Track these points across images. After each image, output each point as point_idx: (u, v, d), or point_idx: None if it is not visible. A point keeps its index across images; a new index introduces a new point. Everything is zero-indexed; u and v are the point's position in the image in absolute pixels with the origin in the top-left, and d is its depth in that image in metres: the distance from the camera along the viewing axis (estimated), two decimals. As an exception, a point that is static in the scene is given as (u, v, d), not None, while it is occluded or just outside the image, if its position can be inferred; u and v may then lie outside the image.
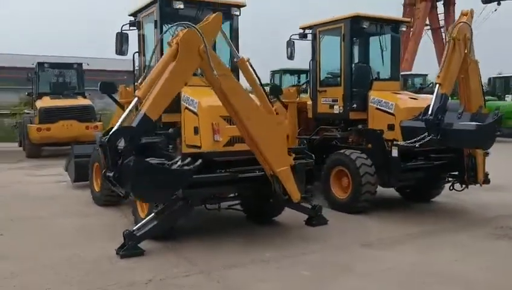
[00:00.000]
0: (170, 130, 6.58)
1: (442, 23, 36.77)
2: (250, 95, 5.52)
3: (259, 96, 5.56)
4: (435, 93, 6.45)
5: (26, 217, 7.40)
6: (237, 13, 6.93)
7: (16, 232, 6.62)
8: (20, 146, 17.24)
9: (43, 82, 16.06)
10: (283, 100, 9.41)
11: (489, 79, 26.19)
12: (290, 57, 8.67)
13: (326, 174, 7.81)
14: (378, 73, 8.56)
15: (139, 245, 5.52)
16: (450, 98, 6.60)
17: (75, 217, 7.40)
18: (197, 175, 5.47)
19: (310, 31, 8.73)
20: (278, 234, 6.42)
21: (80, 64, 16.48)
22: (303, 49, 9.27)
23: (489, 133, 6.28)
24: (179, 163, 4.97)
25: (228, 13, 6.91)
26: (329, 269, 5.11)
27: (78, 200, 8.68)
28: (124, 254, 5.38)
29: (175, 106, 6.45)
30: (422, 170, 7.33)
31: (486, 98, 23.07)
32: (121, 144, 4.57)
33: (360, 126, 7.93)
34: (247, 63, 5.55)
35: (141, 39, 7.32)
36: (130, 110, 4.89)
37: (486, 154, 7.29)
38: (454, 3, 36.11)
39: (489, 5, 31.87)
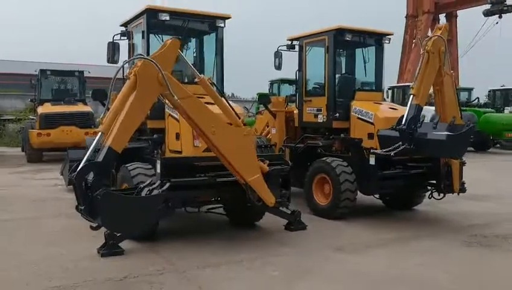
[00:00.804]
0: (155, 136, 6.88)
1: (445, 35, 37.03)
2: (213, 110, 5.73)
3: (223, 110, 5.79)
4: (408, 104, 6.69)
5: (18, 218, 7.69)
6: (222, 25, 7.23)
7: (6, 231, 6.91)
8: (22, 151, 17.62)
9: (45, 89, 16.46)
10: (272, 109, 9.72)
11: (489, 91, 26.35)
12: (278, 67, 8.97)
13: (308, 181, 8.05)
14: (361, 84, 8.82)
15: (119, 245, 5.79)
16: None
17: (65, 218, 7.65)
18: (177, 179, 5.79)
19: (297, 43, 9.02)
20: (256, 237, 6.66)
21: (82, 72, 16.87)
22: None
23: (460, 142, 6.50)
24: (146, 189, 5.16)
25: (213, 25, 7.23)
26: (298, 270, 5.32)
27: (71, 202, 8.87)
28: (104, 252, 5.64)
29: (160, 113, 6.77)
30: (401, 179, 7.54)
31: (486, 110, 23.12)
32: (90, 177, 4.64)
33: (342, 135, 8.18)
34: (208, 82, 5.79)
35: (131, 48, 7.64)
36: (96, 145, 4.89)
37: (463, 163, 7.50)
38: (456, 16, 36.41)
39: (490, 17, 32.20)
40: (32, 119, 17.88)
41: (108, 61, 7.54)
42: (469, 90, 25.09)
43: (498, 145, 24.27)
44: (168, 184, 5.46)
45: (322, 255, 5.89)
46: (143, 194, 5.20)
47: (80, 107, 15.79)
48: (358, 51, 8.91)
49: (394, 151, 6.68)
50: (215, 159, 6.13)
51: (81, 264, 5.40)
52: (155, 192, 5.23)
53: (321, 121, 8.52)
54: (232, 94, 43.25)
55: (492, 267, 5.57)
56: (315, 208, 7.96)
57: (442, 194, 7.77)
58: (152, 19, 6.82)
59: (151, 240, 6.24)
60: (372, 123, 7.70)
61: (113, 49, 7.40)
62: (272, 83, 20.49)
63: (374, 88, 8.78)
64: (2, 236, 6.64)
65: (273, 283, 4.97)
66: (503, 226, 7.41)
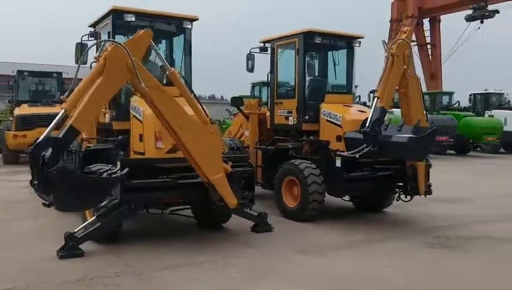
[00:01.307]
0: (119, 137, 6.84)
1: (428, 39, 37.41)
2: (183, 105, 5.72)
3: (192, 106, 5.80)
4: (373, 107, 6.74)
5: None
6: (189, 26, 7.22)
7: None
8: (0, 153, 17.42)
9: (22, 90, 16.31)
10: (245, 111, 9.73)
11: (470, 95, 26.63)
12: (250, 69, 8.98)
13: (278, 184, 8.06)
14: (332, 86, 8.87)
15: (79, 247, 5.74)
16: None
17: (33, 220, 7.58)
18: (138, 180, 5.77)
19: (269, 45, 9.04)
20: (221, 239, 6.64)
21: (60, 73, 16.74)
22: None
23: (423, 145, 6.56)
24: (108, 171, 5.18)
25: (180, 26, 7.22)
26: (259, 272, 5.31)
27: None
28: (63, 254, 5.58)
29: (125, 114, 6.75)
30: (368, 181, 7.57)
31: (466, 113, 23.43)
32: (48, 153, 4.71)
33: (311, 137, 8.21)
34: (178, 75, 5.80)
35: (99, 49, 7.58)
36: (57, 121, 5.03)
37: (429, 166, 7.57)
38: (439, 21, 36.75)
39: (472, 22, 32.58)
40: (11, 120, 17.71)
41: (76, 62, 7.46)
42: (450, 94, 25.34)
43: (478, 148, 24.57)
44: (127, 169, 5.44)
45: (285, 257, 5.89)
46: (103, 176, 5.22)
47: (57, 109, 15.58)
48: (330, 54, 8.95)
49: (359, 154, 6.72)
50: (177, 160, 6.13)
51: (39, 265, 5.34)
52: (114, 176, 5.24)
53: (292, 123, 8.54)
54: (221, 97, 43.23)
55: (453, 268, 5.61)
56: (284, 210, 7.97)
57: (409, 197, 7.82)
58: (118, 19, 6.79)
59: (114, 242, 6.19)
60: (340, 125, 7.74)
61: (81, 49, 7.34)
62: (253, 85, 20.52)
63: (344, 91, 8.82)
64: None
65: (232, 284, 4.96)
66: (468, 228, 7.48)
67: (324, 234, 7.01)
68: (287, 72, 8.76)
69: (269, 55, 9.04)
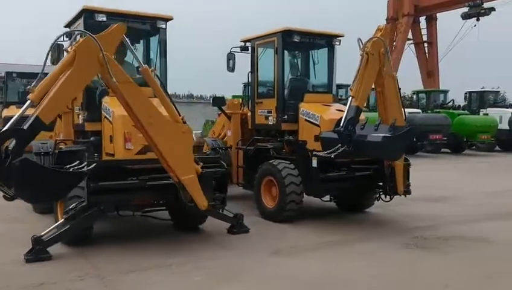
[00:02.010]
0: (92, 138, 6.77)
1: (425, 37, 37.32)
2: (155, 103, 5.65)
3: (164, 105, 5.72)
4: (347, 106, 6.65)
5: None
6: (163, 26, 7.13)
7: None
8: None
9: (11, 91, 16.21)
10: (227, 111, 9.65)
11: (466, 93, 26.53)
12: (231, 69, 8.88)
13: (257, 184, 7.97)
14: (312, 86, 8.78)
15: (47, 250, 5.66)
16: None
17: (7, 223, 7.49)
18: (106, 182, 5.69)
19: (250, 44, 8.95)
20: (195, 240, 6.54)
21: (47, 74, 16.61)
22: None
23: (398, 144, 6.46)
24: (74, 166, 5.11)
25: (154, 26, 7.13)
26: (225, 274, 5.23)
27: (24, 207, 8.71)
28: (29, 258, 5.51)
29: (98, 115, 6.66)
30: (346, 181, 7.47)
31: (460, 112, 23.39)
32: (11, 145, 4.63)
33: (290, 137, 8.12)
34: (151, 72, 5.73)
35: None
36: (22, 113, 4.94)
37: (408, 165, 7.47)
38: (436, 19, 36.70)
39: (468, 20, 32.48)
40: None
41: (52, 63, 7.36)
42: (445, 92, 25.25)
43: (474, 147, 24.45)
44: (94, 164, 5.39)
45: (258, 258, 5.80)
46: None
47: None
48: (310, 53, 8.86)
49: (334, 154, 6.62)
50: (146, 162, 6.05)
51: (4, 269, 5.28)
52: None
53: (271, 123, 8.45)
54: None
55: (427, 269, 5.50)
56: (263, 211, 7.88)
57: (389, 197, 7.74)
58: (89, 19, 6.69)
59: (85, 245, 6.11)
60: (318, 125, 7.65)
61: (58, 51, 7.23)
62: (245, 85, 20.39)
63: (325, 90, 8.72)
64: None
65: (195, 287, 4.88)
66: (447, 228, 7.38)
67: (301, 235, 6.92)
68: (268, 72, 8.66)
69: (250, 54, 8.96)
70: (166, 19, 7.16)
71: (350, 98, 6.66)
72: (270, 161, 7.75)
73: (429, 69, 36.92)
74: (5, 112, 15.18)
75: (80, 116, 7.04)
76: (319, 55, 8.84)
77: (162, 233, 6.89)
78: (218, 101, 9.55)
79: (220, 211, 6.76)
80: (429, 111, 23.17)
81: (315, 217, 8.02)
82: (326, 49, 8.71)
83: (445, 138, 20.65)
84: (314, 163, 7.04)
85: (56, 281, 4.93)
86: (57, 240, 5.75)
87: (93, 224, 6.17)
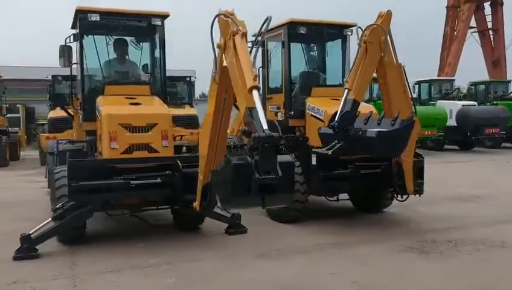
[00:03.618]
0: (87, 137, 6.82)
1: (490, 24, 34.95)
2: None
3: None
4: (343, 99, 6.22)
5: None
6: (159, 23, 7.02)
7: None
8: None
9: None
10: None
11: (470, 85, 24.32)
12: None
13: (264, 183, 7.70)
14: (324, 79, 8.36)
15: (36, 247, 5.75)
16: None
17: (21, 222, 7.51)
18: (87, 182, 5.69)
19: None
20: (186, 241, 6.36)
21: (190, 77, 17.62)
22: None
23: (396, 140, 5.93)
24: None
25: (150, 24, 7.05)
26: (199, 277, 5.03)
27: (46, 206, 8.99)
28: (17, 256, 5.62)
29: (93, 114, 6.70)
30: (351, 180, 7.02)
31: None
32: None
33: (297, 133, 7.78)
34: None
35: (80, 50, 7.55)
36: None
37: (419, 162, 6.89)
38: (502, 4, 34.17)
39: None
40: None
41: (64, 66, 7.44)
42: (506, 82, 23.42)
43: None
44: None
45: (240, 261, 5.55)
46: None
47: (187, 111, 16.37)
48: (321, 45, 8.44)
49: (331, 150, 6.23)
50: (130, 161, 5.99)
51: (-15, 267, 5.41)
52: None
53: (280, 119, 8.15)
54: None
55: (413, 276, 5.04)
56: (269, 211, 7.60)
57: (401, 196, 7.21)
58: (83, 20, 6.74)
59: (77, 244, 6.15)
60: (322, 120, 7.25)
61: (68, 52, 7.32)
62: None
63: (337, 83, 8.26)
64: None
65: (165, 288, 4.74)
66: (466, 231, 6.74)
67: (298, 237, 6.59)
68: (278, 66, 8.35)
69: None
70: (162, 16, 7.04)
71: (346, 90, 6.23)
72: (275, 159, 7.44)
73: (495, 58, 34.53)
74: (51, 114, 15.93)
75: (80, 116, 7.13)
76: (331, 47, 8.40)
77: (156, 233, 6.73)
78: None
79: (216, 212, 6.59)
80: (488, 103, 21.56)
81: (324, 217, 7.64)
82: (339, 40, 8.25)
83: (504, 132, 19.13)
84: (313, 160, 6.67)
85: (29, 279, 4.96)
86: (44, 238, 5.83)
87: (82, 224, 6.19)
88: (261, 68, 8.69)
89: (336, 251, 5.91)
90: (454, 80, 23.71)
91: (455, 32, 33.84)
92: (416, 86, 21.78)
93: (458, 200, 9.06)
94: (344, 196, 7.91)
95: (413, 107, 6.61)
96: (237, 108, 9.32)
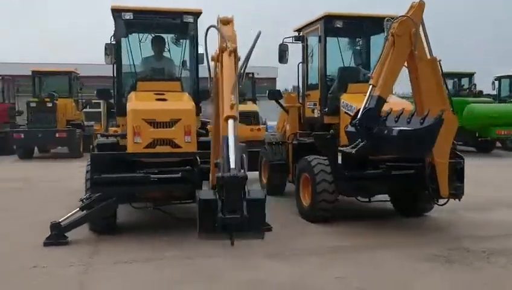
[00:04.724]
0: (119, 132, 7.09)
1: None
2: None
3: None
4: (367, 95, 5.91)
5: (34, 206, 8.48)
6: (191, 20, 7.12)
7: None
8: None
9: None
10: (285, 105, 9.33)
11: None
12: (283, 60, 8.52)
13: (297, 181, 7.59)
14: (364, 75, 8.00)
15: (65, 235, 6.08)
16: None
17: (64, 209, 7.91)
18: (108, 174, 5.92)
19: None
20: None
21: (253, 74, 18.08)
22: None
23: (422, 139, 5.52)
24: None
25: (182, 21, 7.16)
26: (204, 274, 5.03)
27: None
28: (46, 242, 5.99)
29: (125, 110, 6.94)
30: (381, 180, 6.65)
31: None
32: None
33: (331, 131, 7.53)
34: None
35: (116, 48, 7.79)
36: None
37: (456, 163, 6.37)
38: None
39: None
40: None
41: (110, 63, 7.73)
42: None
43: None
44: None
45: (250, 260, 5.43)
46: None
47: (249, 107, 16.64)
48: (361, 39, 8.11)
49: (355, 149, 5.96)
50: (156, 155, 6.13)
51: (18, 251, 5.81)
52: None
53: (316, 116, 7.94)
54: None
55: (423, 285, 4.72)
56: (301, 210, 7.47)
57: (443, 200, 6.72)
58: (118, 18, 6.98)
59: (107, 233, 6.40)
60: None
61: (111, 50, 7.61)
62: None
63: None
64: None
65: (159, 282, 4.81)
66: (507, 242, 6.16)
67: (319, 238, 6.38)
68: (315, 61, 8.14)
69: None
70: (194, 13, 7.13)
71: (370, 86, 5.91)
72: (305, 157, 7.29)
73: None
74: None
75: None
76: (374, 41, 8.01)
77: (183, 228, 6.66)
78: (274, 94, 9.25)
79: None
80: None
81: (357, 219, 7.33)
82: (381, 34, 7.83)
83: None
84: (339, 159, 6.43)
85: (48, 265, 5.26)
86: (73, 226, 6.14)
87: (111, 214, 6.41)
88: (300, 64, 8.54)
89: (351, 255, 5.65)
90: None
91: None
92: (496, 82, 20.07)
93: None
94: (381, 197, 7.55)
95: (449, 104, 6.13)
96: (282, 107, 9.32)
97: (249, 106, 17.16)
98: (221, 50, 4.43)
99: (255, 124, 16.05)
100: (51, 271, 5.10)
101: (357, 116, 5.92)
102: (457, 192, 6.37)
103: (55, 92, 17.68)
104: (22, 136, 16.62)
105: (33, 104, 16.91)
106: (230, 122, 3.97)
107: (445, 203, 6.88)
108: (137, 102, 6.41)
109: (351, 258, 5.52)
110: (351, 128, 6.26)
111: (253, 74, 18.80)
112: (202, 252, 5.70)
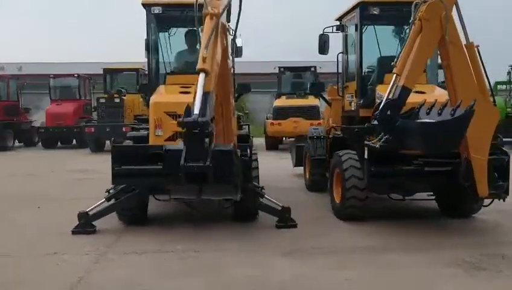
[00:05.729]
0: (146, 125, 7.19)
1: None
2: None
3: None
4: (390, 85, 5.47)
5: (66, 199, 8.79)
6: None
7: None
8: None
9: (284, 84, 19.09)
10: (328, 98, 9.02)
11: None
12: (323, 51, 8.21)
13: (330, 177, 7.28)
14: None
15: (93, 223, 6.29)
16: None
17: (92, 200, 7.06)
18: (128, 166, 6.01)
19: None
20: (230, 231, 6.28)
21: (315, 67, 18.64)
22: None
23: (447, 132, 4.99)
24: None
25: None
26: (207, 268, 4.95)
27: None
28: (74, 230, 6.24)
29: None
30: (413, 177, 6.14)
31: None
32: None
33: (367, 124, 7.10)
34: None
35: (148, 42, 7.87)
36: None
37: (498, 159, 5.72)
38: None
39: None
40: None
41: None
42: None
43: None
44: None
45: (259, 258, 5.26)
46: None
47: (309, 101, 17.28)
48: (393, 28, 7.60)
49: (379, 143, 5.57)
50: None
51: (46, 238, 6.10)
52: None
53: (353, 108, 7.55)
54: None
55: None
56: (333, 207, 7.15)
57: (488, 201, 6.12)
58: (148, 13, 7.10)
59: (135, 224, 6.54)
60: (388, 110, 6.48)
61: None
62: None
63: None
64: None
65: (159, 274, 4.79)
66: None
67: (341, 236, 6.05)
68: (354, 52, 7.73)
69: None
70: (226, 3, 7.04)
71: (394, 75, 5.47)
72: (337, 152, 6.96)
73: None
74: (276, 102, 17.80)
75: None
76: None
77: (208, 221, 6.78)
78: (316, 87, 8.95)
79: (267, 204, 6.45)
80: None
81: (391, 218, 6.89)
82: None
83: None
84: (366, 154, 6.04)
85: (66, 252, 5.46)
86: (99, 216, 6.34)
87: (137, 205, 6.49)
88: (340, 54, 8.17)
89: (371, 256, 5.27)
90: None
91: None
92: None
93: None
94: (418, 196, 7.02)
95: (488, 94, 5.53)
96: (325, 100, 9.00)
97: (310, 100, 16.93)
98: (205, 15, 4.72)
99: (316, 118, 15.79)
100: (65, 258, 5.27)
101: (379, 108, 5.51)
102: (498, 191, 5.72)
103: (124, 88, 18.54)
104: (93, 130, 17.64)
105: (102, 100, 17.92)
106: (201, 75, 4.26)
107: (489, 204, 6.28)
108: (160, 95, 6.47)
109: (369, 260, 5.16)
110: (375, 122, 5.86)
111: (315, 67, 18.51)
112: (212, 246, 5.65)
